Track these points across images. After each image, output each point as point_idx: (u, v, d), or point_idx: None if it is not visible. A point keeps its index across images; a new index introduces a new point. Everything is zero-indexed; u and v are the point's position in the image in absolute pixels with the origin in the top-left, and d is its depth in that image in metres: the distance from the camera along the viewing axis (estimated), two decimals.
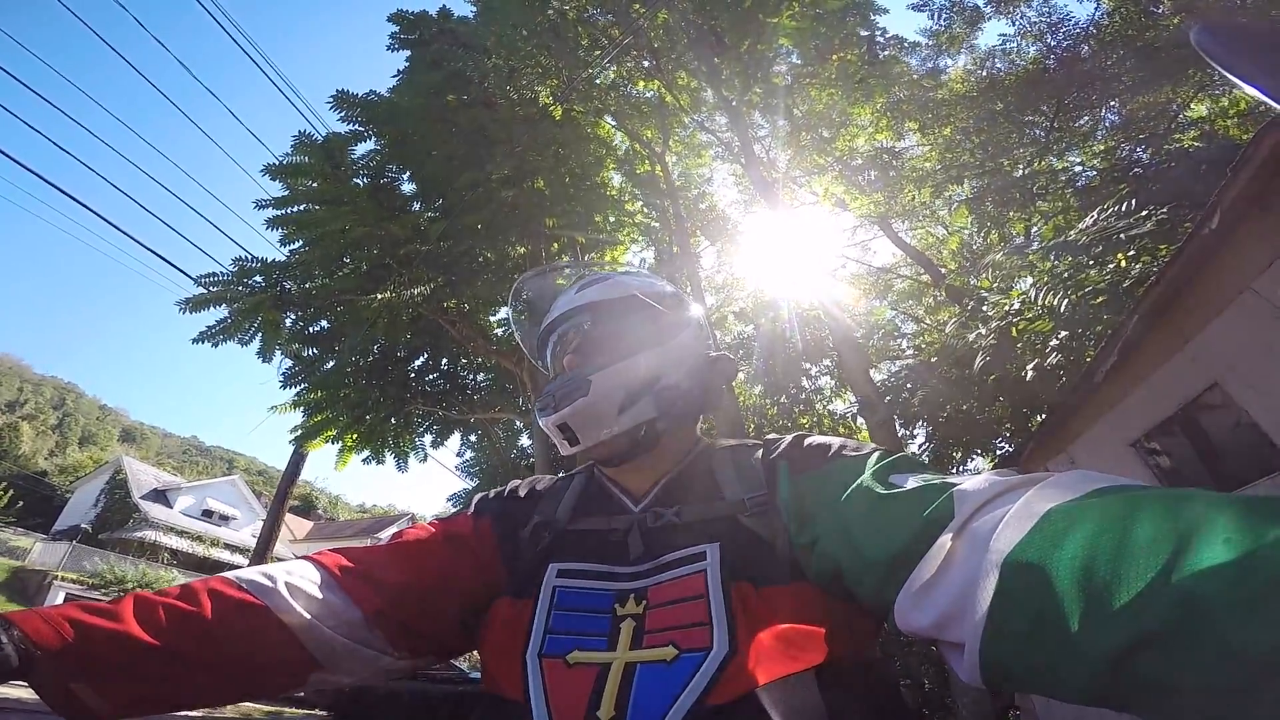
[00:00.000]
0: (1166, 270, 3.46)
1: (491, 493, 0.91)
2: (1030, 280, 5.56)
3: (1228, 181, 2.87)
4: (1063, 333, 5.13)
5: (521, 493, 0.89)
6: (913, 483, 0.57)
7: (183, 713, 0.66)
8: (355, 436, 8.81)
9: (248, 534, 30.32)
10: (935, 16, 11.16)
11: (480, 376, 10.29)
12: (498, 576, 0.77)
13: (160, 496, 30.04)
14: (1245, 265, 3.26)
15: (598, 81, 9.65)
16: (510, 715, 0.58)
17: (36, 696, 0.57)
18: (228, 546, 29.39)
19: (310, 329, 8.23)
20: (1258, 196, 2.87)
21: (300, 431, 8.57)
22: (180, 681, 0.62)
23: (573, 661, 0.59)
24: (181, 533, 28.09)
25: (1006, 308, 5.77)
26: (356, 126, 8.17)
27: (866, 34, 9.19)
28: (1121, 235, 4.70)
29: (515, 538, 0.80)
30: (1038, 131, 10.65)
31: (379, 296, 7.06)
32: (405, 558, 0.77)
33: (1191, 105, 9.77)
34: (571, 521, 0.78)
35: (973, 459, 8.66)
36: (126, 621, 0.60)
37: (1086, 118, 10.65)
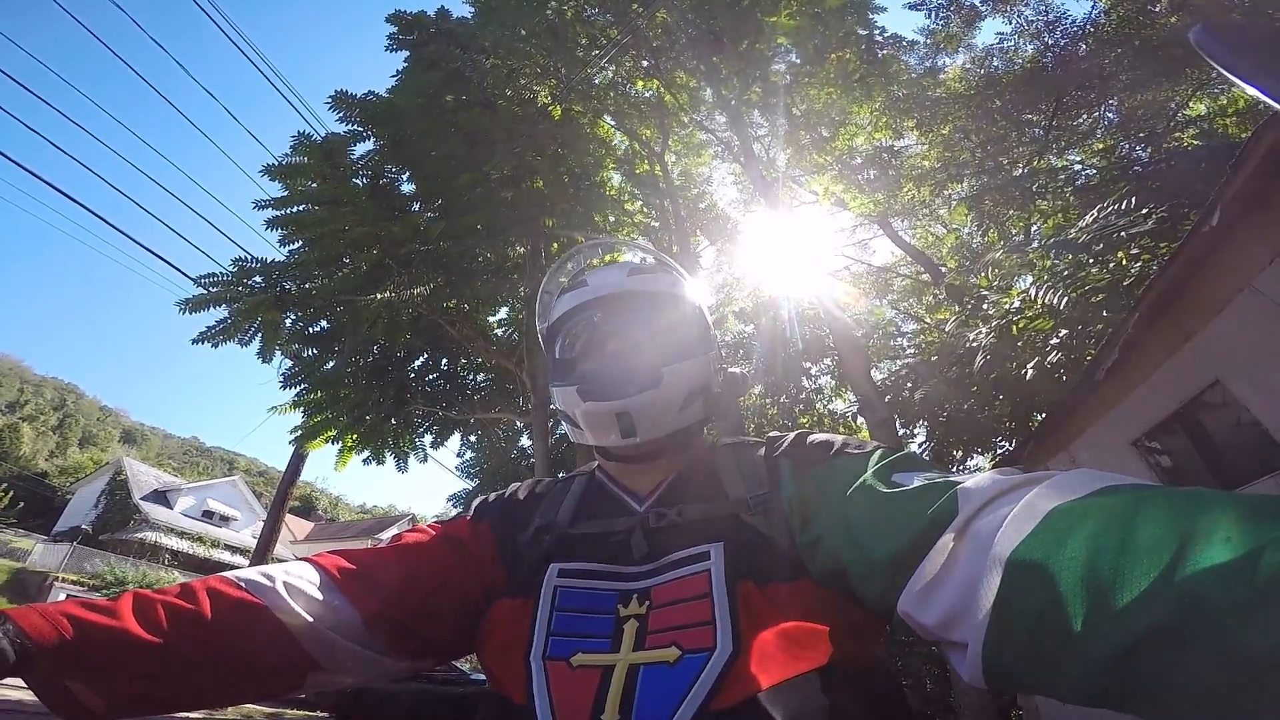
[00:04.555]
0: (1167, 268, 3.46)
1: (491, 496, 0.90)
2: (1030, 279, 5.55)
3: (1227, 179, 2.86)
4: (1063, 331, 5.13)
5: (521, 495, 0.88)
6: (916, 481, 0.57)
7: (183, 713, 0.65)
8: (355, 437, 8.78)
9: (248, 535, 30.30)
10: (933, 15, 11.16)
11: (480, 377, 10.27)
12: (496, 580, 0.76)
13: (161, 497, 30.03)
14: (1246, 263, 3.25)
15: (596, 81, 9.63)
16: (514, 718, 0.58)
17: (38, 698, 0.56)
18: (228, 547, 29.36)
19: (310, 329, 8.19)
20: (1258, 194, 2.87)
21: (300, 432, 8.55)
22: (178, 681, 0.62)
23: (576, 664, 0.59)
24: (182, 534, 28.06)
25: (1007, 306, 5.77)
26: (355, 127, 8.13)
27: (865, 33, 9.16)
28: (1122, 233, 4.70)
29: (515, 541, 0.79)
30: (1036, 130, 10.65)
31: (379, 297, 7.04)
32: (404, 560, 0.76)
33: (1190, 104, 9.77)
34: (573, 524, 0.78)
35: (973, 458, 8.67)
36: (125, 619, 0.59)
37: (1085, 116, 10.65)
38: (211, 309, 7.25)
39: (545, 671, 0.59)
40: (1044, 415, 6.19)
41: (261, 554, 13.32)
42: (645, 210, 10.67)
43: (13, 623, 0.55)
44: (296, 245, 7.85)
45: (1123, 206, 4.98)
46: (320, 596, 0.69)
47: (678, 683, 0.54)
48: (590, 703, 0.55)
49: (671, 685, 0.54)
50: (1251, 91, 0.40)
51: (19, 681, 0.55)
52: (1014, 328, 5.67)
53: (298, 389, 8.30)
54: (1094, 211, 5.27)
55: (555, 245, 9.39)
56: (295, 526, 36.85)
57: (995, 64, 11.27)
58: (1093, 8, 10.09)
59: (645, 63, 9.77)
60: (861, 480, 0.62)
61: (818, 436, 0.77)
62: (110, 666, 0.58)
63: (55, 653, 0.55)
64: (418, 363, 9.64)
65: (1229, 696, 0.30)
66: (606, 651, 0.60)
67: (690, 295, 0.90)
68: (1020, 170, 10.03)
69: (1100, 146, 9.94)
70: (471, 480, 12.08)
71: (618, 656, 0.59)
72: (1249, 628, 0.30)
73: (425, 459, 9.92)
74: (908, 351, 10.70)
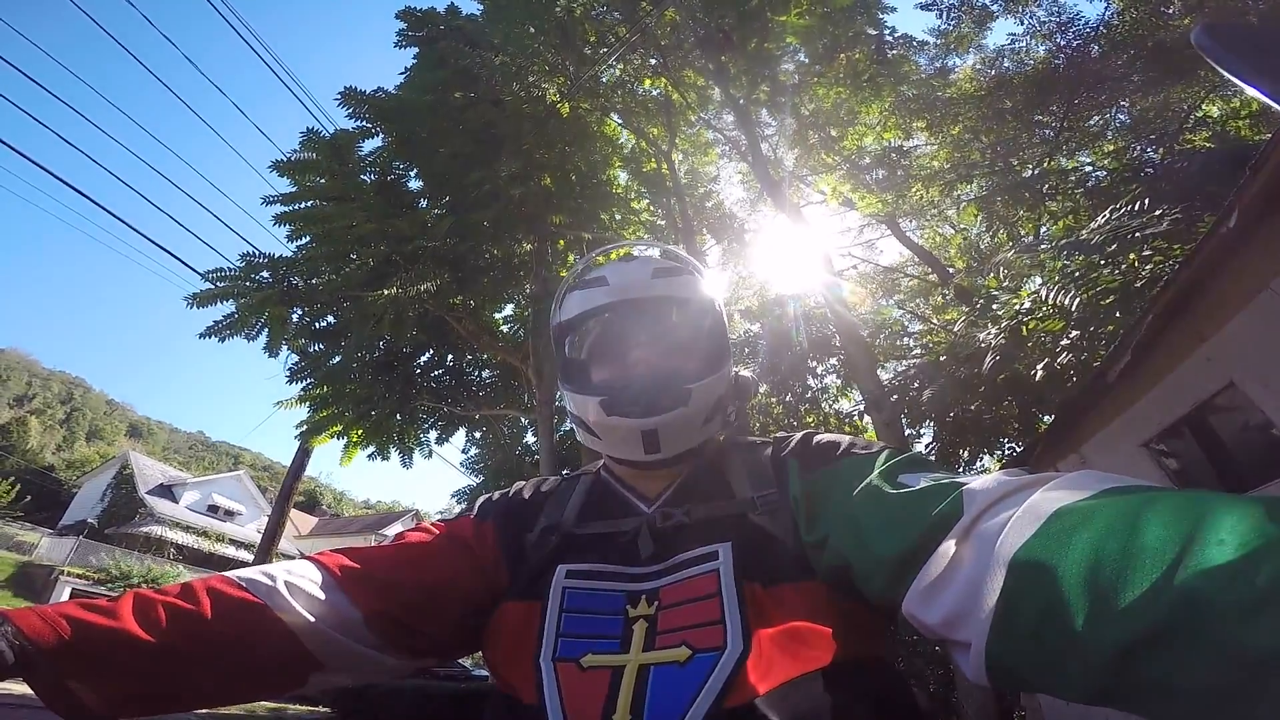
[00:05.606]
0: (1183, 269, 3.43)
1: (495, 494, 0.90)
2: (1040, 279, 5.51)
3: (1246, 180, 2.84)
4: (1073, 332, 5.09)
5: (526, 494, 0.87)
6: (922, 481, 0.57)
7: (184, 711, 0.65)
8: (360, 432, 8.83)
9: (253, 529, 30.50)
10: (944, 15, 11.09)
11: (485, 373, 10.31)
12: (500, 579, 0.76)
13: (166, 492, 30.25)
14: (1263, 264, 3.22)
15: (604, 79, 9.64)
16: (524, 719, 0.58)
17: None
18: (233, 542, 29.56)
19: (317, 324, 8.22)
20: (1277, 195, 2.84)
21: (306, 427, 8.60)
22: (179, 680, 0.61)
23: (586, 664, 0.59)
24: (187, 528, 28.28)
25: (1016, 307, 5.73)
26: (364, 123, 8.16)
27: (875, 33, 9.15)
28: (1135, 234, 4.66)
29: (520, 540, 0.79)
30: (1047, 131, 10.58)
31: (385, 292, 7.06)
32: (406, 559, 0.76)
33: (1203, 106, 9.68)
34: (579, 525, 0.77)
35: (980, 459, 8.62)
36: (125, 619, 0.59)
37: (1096, 117, 10.58)
38: (219, 304, 7.28)
39: (555, 673, 0.59)
40: (1053, 416, 6.15)
41: (266, 549, 13.37)
42: (652, 209, 10.68)
43: (12, 624, 0.55)
44: (304, 241, 7.89)
45: (1136, 207, 4.95)
46: (322, 595, 0.68)
47: (689, 682, 0.54)
48: (601, 703, 0.55)
49: (683, 684, 0.54)
50: (1251, 92, 0.39)
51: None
52: (1024, 329, 5.64)
53: (304, 384, 8.35)
54: (1106, 212, 5.23)
55: (561, 243, 9.41)
56: (299, 521, 37.10)
57: (1006, 65, 11.19)
58: (1105, 9, 10.01)
59: (653, 61, 9.78)
60: (868, 481, 0.62)
61: (825, 437, 0.78)
62: (110, 667, 0.58)
63: (55, 653, 0.55)
64: (423, 358, 9.68)
65: (1229, 697, 0.30)
66: (616, 652, 0.60)
67: (713, 299, 0.88)
68: (1031, 171, 9.96)
69: (1111, 148, 9.87)
70: (476, 476, 12.11)
71: (628, 657, 0.59)
72: (1250, 629, 0.30)
73: (430, 455, 9.98)
74: (915, 352, 10.67)
